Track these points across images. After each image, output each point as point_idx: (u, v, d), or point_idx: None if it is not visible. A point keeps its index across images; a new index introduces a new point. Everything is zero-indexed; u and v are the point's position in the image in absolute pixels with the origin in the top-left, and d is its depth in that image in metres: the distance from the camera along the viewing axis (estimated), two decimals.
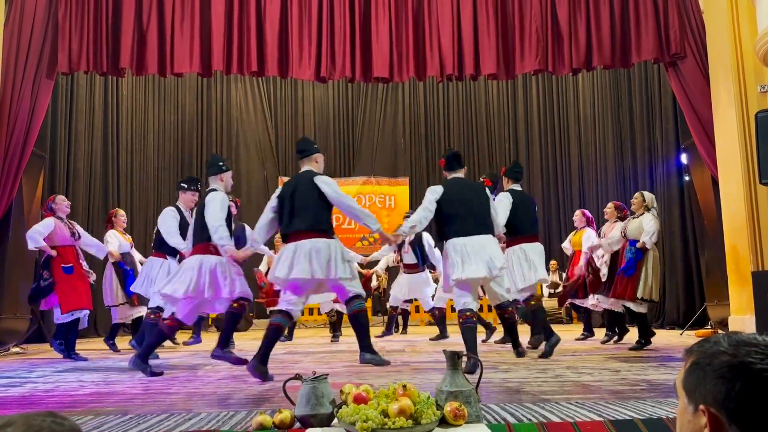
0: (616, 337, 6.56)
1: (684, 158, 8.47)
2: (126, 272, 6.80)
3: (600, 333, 7.04)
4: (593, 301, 6.85)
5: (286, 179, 12.37)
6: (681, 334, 7.45)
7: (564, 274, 8.51)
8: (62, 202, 6.24)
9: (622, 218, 6.58)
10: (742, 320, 6.21)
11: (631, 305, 5.93)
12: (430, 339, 7.55)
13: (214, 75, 8.65)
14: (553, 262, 10.60)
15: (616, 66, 7.74)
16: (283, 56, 7.43)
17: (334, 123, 12.95)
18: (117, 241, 6.80)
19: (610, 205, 7.02)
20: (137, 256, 7.31)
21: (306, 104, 12.94)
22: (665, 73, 7.92)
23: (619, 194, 10.46)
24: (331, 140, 12.89)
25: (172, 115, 12.12)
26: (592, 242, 6.86)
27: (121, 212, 7.26)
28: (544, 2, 7.52)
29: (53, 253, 5.96)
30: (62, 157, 9.34)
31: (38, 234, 5.93)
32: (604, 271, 6.52)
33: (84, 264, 6.35)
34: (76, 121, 9.68)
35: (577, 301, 7.26)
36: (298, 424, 2.32)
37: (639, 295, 5.83)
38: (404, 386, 2.24)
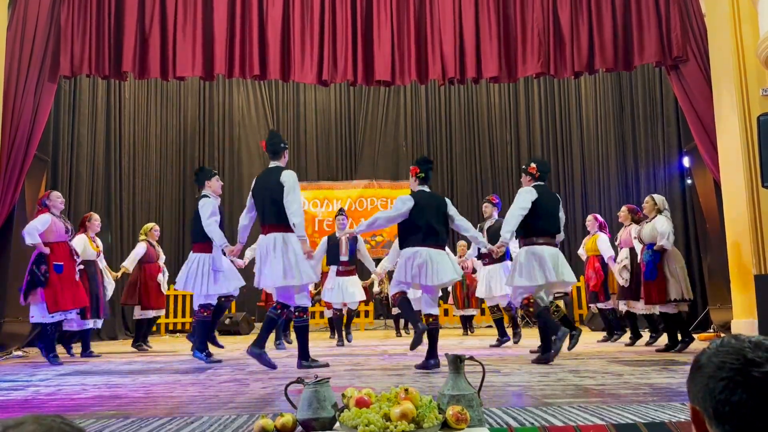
0: (634, 338, 6.62)
1: (686, 161, 8.47)
2: (92, 280, 6.65)
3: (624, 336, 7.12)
4: (622, 307, 6.79)
5: None
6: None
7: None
8: (56, 199, 6.15)
9: (637, 221, 6.59)
10: (744, 324, 6.19)
11: (665, 309, 5.91)
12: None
13: (216, 79, 8.66)
14: None
15: (618, 69, 7.74)
16: (285, 60, 7.44)
17: (335, 126, 12.96)
18: (82, 247, 6.60)
19: (623, 208, 6.98)
20: (103, 263, 7.03)
21: (308, 108, 12.95)
22: (667, 76, 7.92)
23: (621, 197, 10.45)
24: (333, 143, 12.92)
25: (174, 119, 12.13)
26: (606, 247, 6.94)
27: (96, 217, 7.04)
28: (545, 5, 7.53)
29: (46, 250, 5.85)
30: (65, 161, 9.34)
31: (35, 230, 5.85)
32: (625, 276, 6.48)
33: (77, 259, 6.28)
34: (78, 125, 9.69)
35: (599, 305, 7.21)
36: (299, 428, 2.32)
37: (672, 297, 5.80)
38: (406, 390, 2.23)
